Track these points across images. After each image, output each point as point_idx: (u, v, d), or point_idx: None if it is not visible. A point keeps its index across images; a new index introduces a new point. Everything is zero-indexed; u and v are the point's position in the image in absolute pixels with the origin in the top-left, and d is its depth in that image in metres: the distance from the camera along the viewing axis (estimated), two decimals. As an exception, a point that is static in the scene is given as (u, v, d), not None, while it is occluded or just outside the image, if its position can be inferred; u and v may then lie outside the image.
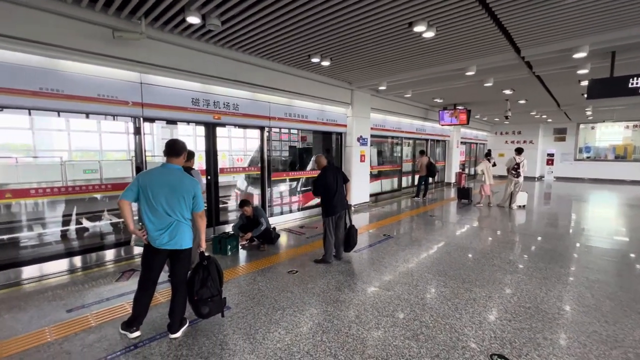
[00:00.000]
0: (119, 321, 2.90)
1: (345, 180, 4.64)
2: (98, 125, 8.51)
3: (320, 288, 3.74)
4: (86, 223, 5.92)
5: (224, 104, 5.68)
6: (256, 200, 6.99)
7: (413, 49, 5.26)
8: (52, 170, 6.13)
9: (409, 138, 11.64)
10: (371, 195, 9.47)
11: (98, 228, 5.86)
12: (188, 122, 5.46)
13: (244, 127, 6.65)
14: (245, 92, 6.02)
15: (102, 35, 4.09)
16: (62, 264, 4.24)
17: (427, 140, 12.57)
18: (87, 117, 4.61)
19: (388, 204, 9.52)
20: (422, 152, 10.76)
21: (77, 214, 5.86)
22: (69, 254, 4.41)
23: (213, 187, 5.71)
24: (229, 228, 5.74)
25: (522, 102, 10.56)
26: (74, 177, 5.97)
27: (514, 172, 8.61)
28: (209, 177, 5.63)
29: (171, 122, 5.37)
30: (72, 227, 5.69)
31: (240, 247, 5.18)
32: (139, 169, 4.79)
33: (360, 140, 8.55)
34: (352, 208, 8.45)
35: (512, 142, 18.23)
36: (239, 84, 5.75)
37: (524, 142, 17.94)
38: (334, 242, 4.52)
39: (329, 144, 8.76)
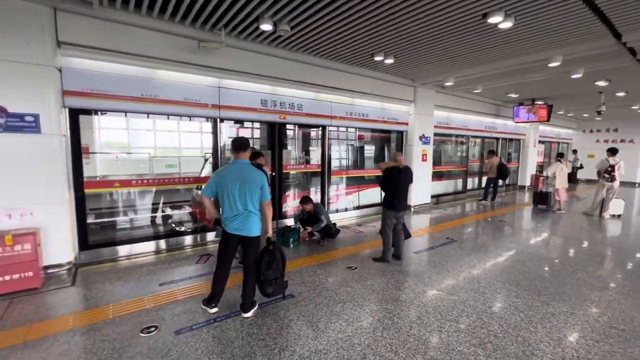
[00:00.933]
0: (199, 297, 3.31)
1: (410, 180, 4.59)
2: (177, 125, 9.66)
3: (379, 286, 3.76)
4: (169, 211, 6.77)
5: (289, 105, 5.99)
6: (312, 197, 7.23)
7: (486, 42, 4.92)
8: (142, 165, 7.15)
9: (477, 136, 10.83)
10: (432, 197, 9.07)
11: (178, 216, 6.66)
12: (257, 122, 5.89)
13: (307, 126, 6.91)
14: (309, 92, 6.26)
15: (189, 46, 4.64)
16: (150, 246, 4.93)
17: (497, 139, 11.56)
18: (168, 118, 5.29)
19: (451, 206, 9.01)
20: (492, 152, 9.93)
21: (161, 203, 6.74)
22: (155, 237, 5.11)
23: (277, 183, 6.07)
24: (289, 222, 6.05)
25: (621, 94, 9.06)
26: (159, 171, 6.87)
27: (607, 175, 7.48)
28: (273, 173, 6.00)
29: (238, 121, 5.85)
30: (158, 214, 6.57)
31: (301, 240, 5.43)
32: (216, 165, 5.33)
33: (423, 139, 8.24)
34: (412, 209, 8.20)
35: (606, 141, 15.68)
36: (303, 85, 6.01)
37: (622, 141, 15.32)
38: (392, 239, 4.49)
39: (388, 142, 8.63)
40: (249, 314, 3.02)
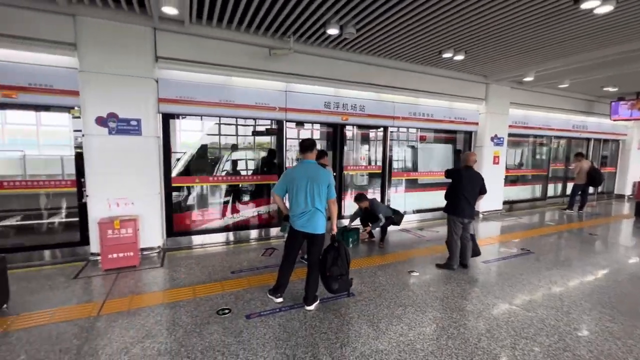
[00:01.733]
0: (265, 287, 3.56)
1: (483, 191, 4.24)
2: (243, 128, 10.42)
3: (443, 293, 3.59)
4: (238, 206, 7.34)
5: (351, 106, 6.06)
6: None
7: (577, 30, 4.36)
8: (216, 164, 7.82)
9: (561, 137, 9.58)
10: (505, 203, 8.29)
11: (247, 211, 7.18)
12: (319, 123, 6.08)
13: (369, 127, 6.89)
14: (371, 93, 6.24)
15: (261, 54, 5.01)
16: (221, 237, 5.43)
17: (588, 139, 10.07)
18: (236, 120, 5.75)
19: (527, 214, 8.13)
20: (581, 155, 8.67)
21: (230, 198, 7.34)
22: (225, 229, 5.60)
23: (338, 183, 6.18)
24: (347, 222, 6.10)
25: None
26: (226, 168, 7.41)
27: None
28: (334, 174, 6.13)
29: (299, 123, 6.07)
30: (229, 208, 7.16)
31: (360, 241, 5.45)
32: (280, 166, 5.66)
33: (495, 140, 7.60)
34: (480, 215, 7.61)
35: None
36: (365, 86, 6.02)
37: None
38: (459, 246, 4.23)
39: (454, 143, 8.13)
40: (312, 307, 3.16)
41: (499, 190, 7.98)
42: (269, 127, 5.99)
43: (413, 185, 7.47)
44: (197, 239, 5.26)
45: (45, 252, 4.42)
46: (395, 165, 7.19)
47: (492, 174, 7.60)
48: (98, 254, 4.24)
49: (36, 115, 7.56)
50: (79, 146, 4.40)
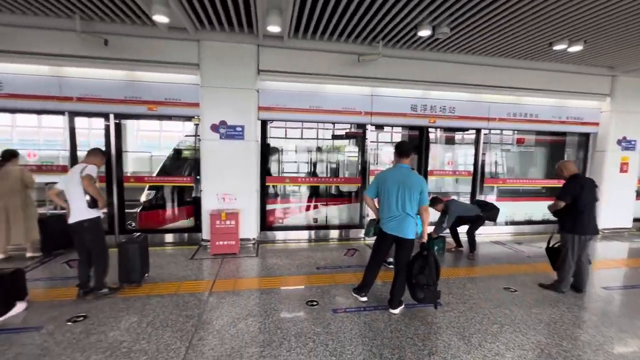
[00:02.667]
0: (349, 285, 3.69)
1: (596, 197, 3.61)
2: (322, 131, 10.82)
3: (549, 317, 3.17)
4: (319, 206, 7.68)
5: (440, 108, 5.79)
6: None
7: None
8: (304, 166, 8.20)
9: None
10: (635, 220, 6.78)
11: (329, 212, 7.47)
12: (404, 126, 5.98)
13: (458, 130, 6.48)
14: (463, 93, 5.85)
15: (349, 60, 5.19)
16: (304, 235, 5.78)
17: None
18: (321, 124, 6.02)
19: (669, 237, 6.49)
20: None
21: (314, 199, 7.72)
22: (307, 227, 5.93)
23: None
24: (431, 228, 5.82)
25: None
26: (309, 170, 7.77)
27: None
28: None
29: (379, 126, 6.02)
30: (312, 208, 7.54)
31: (446, 250, 5.16)
32: (363, 168, 5.76)
33: (623, 143, 6.30)
34: (599, 233, 6.39)
35: None
36: (456, 86, 5.69)
37: None
38: (573, 267, 3.66)
39: (561, 147, 7.00)
40: (397, 311, 3.15)
41: (628, 204, 6.57)
42: (347, 130, 6.16)
43: (508, 193, 6.71)
44: (283, 235, 5.73)
45: (168, 235, 5.41)
46: (488, 170, 6.59)
47: (619, 184, 6.33)
48: (207, 241, 5.00)
49: (159, 123, 9.25)
50: (186, 148, 5.27)
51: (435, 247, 5.01)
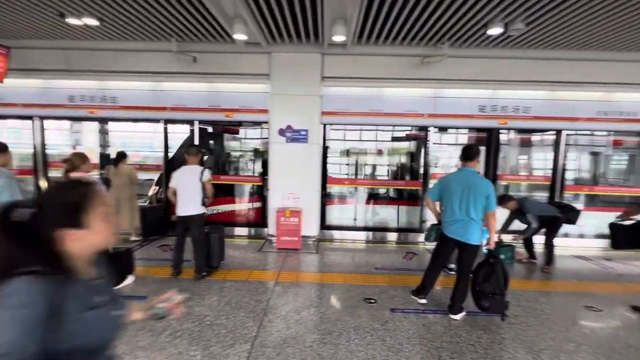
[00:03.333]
0: (407, 287, 3.71)
1: None
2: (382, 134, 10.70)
3: (641, 343, 2.81)
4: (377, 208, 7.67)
5: (512, 108, 5.41)
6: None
7: None
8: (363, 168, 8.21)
9: None
10: None
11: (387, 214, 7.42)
12: (471, 128, 5.72)
13: (534, 131, 5.94)
14: (539, 91, 5.37)
15: (411, 63, 5.18)
16: (361, 235, 5.88)
17: None
18: (377, 127, 6.03)
19: None
20: None
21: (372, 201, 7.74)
22: (365, 229, 6.01)
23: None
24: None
25: None
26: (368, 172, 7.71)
27: None
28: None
29: (442, 129, 5.79)
30: (370, 209, 7.58)
31: (515, 260, 4.81)
32: (425, 171, 5.67)
33: None
34: None
35: None
36: (532, 84, 5.25)
37: None
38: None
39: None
40: (457, 317, 3.10)
41: None
42: (408, 132, 6.07)
43: (594, 202, 5.92)
44: (341, 235, 5.91)
45: (238, 229, 6.00)
46: (572, 176, 5.91)
47: None
48: (273, 235, 5.44)
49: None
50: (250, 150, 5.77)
51: (502, 256, 4.69)
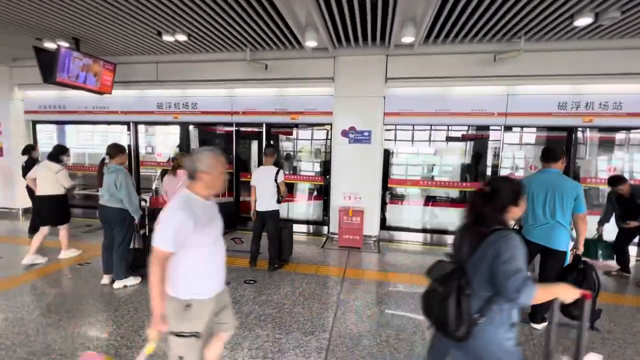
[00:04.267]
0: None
1: None
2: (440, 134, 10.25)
3: None
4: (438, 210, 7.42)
5: (599, 104, 4.90)
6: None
7: None
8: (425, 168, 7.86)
9: None
10: None
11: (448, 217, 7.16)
12: (548, 127, 5.31)
13: (627, 129, 5.32)
14: (632, 85, 4.79)
15: (481, 60, 4.97)
16: (420, 237, 5.77)
17: None
18: (440, 128, 5.82)
19: None
20: None
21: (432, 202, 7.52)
22: (424, 231, 5.89)
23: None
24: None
25: None
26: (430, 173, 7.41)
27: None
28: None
29: (508, 128, 5.42)
30: (430, 211, 7.34)
31: (604, 273, 4.35)
32: (493, 172, 5.40)
33: None
34: None
35: None
36: (623, 77, 4.71)
37: None
38: None
39: None
40: (539, 327, 2.96)
41: None
42: (474, 132, 5.81)
43: None
44: (400, 235, 5.87)
45: (299, 226, 6.27)
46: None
47: None
48: (334, 233, 5.62)
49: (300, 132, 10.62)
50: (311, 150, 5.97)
51: (600, 252, 4.17)
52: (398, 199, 6.22)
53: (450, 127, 5.78)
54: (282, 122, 6.06)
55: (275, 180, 4.10)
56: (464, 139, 6.10)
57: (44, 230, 4.31)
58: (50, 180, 4.24)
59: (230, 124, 6.27)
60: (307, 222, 6.36)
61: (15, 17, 4.39)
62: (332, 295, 3.57)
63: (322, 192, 6.33)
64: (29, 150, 5.59)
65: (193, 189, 1.68)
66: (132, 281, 3.66)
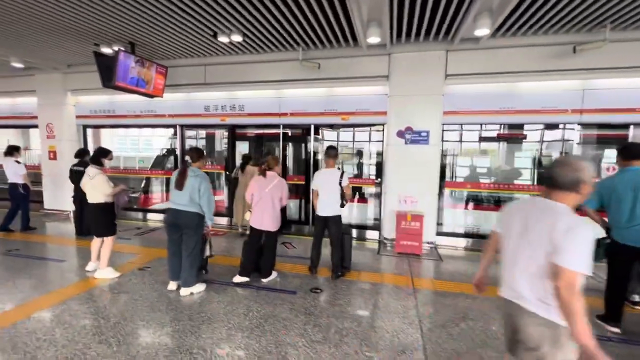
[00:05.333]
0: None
1: None
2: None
3: None
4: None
5: (694, 98, 4.40)
6: None
7: None
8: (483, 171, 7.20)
9: None
10: None
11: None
12: (634, 124, 4.81)
13: None
14: None
15: (557, 53, 4.58)
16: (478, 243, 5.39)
17: None
18: (480, 127, 5.40)
19: None
20: None
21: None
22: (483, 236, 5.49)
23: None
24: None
25: None
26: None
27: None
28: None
29: (589, 125, 4.96)
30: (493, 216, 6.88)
31: None
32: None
33: None
34: None
35: None
36: None
37: None
38: None
39: None
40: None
41: None
42: (542, 130, 5.33)
43: None
44: (458, 241, 5.51)
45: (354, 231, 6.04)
46: None
47: None
48: (388, 239, 5.35)
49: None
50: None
51: None
52: (456, 202, 5.82)
53: (515, 126, 5.35)
54: (331, 123, 5.87)
55: (340, 183, 3.90)
56: (531, 137, 5.60)
57: (97, 238, 4.05)
58: (90, 187, 3.87)
59: (277, 126, 6.14)
60: (357, 227, 6.10)
61: (74, 24, 4.44)
62: (409, 308, 3.30)
63: (371, 195, 6.08)
64: (82, 154, 5.68)
65: (563, 200, 1.45)
66: (199, 288, 3.55)
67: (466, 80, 5.03)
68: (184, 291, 3.48)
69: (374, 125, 5.75)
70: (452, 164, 5.88)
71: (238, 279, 3.78)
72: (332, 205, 3.92)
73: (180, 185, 3.38)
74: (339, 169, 4.03)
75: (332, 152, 4.00)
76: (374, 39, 4.36)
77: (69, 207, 7.11)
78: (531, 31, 4.41)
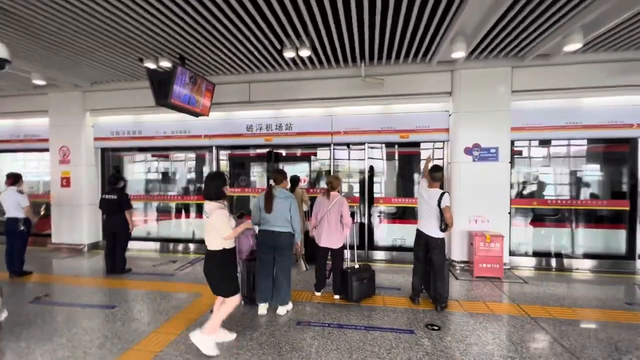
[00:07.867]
0: None
1: None
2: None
3: None
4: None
5: None
6: None
7: None
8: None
9: None
10: None
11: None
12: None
13: None
14: None
15: (630, 68, 4.64)
16: (554, 262, 5.19)
17: None
18: (539, 142, 5.36)
19: None
20: None
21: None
22: (559, 255, 5.32)
23: None
24: None
25: None
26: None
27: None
28: None
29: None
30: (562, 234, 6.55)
31: None
32: (633, 190, 4.94)
33: None
34: None
35: None
36: None
37: None
38: None
39: None
40: None
41: None
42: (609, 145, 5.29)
43: None
44: (530, 261, 5.28)
45: (403, 253, 5.66)
46: None
47: None
48: (457, 261, 5.05)
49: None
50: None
51: None
52: (524, 219, 5.54)
53: (580, 141, 5.33)
54: (388, 141, 5.62)
55: (439, 204, 3.57)
56: (598, 152, 5.48)
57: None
58: (208, 229, 2.81)
59: (327, 145, 5.80)
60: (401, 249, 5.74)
61: (124, 37, 4.05)
62: (552, 342, 2.95)
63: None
64: (116, 180, 5.03)
65: None
66: (291, 305, 3.61)
67: (533, 96, 5.01)
68: (281, 310, 3.49)
69: (435, 142, 5.55)
70: (523, 181, 5.62)
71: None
72: (431, 228, 3.59)
73: (269, 208, 3.41)
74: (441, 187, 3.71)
75: (438, 174, 3.65)
76: (458, 54, 4.22)
77: (85, 239, 6.31)
78: (611, 47, 4.44)
